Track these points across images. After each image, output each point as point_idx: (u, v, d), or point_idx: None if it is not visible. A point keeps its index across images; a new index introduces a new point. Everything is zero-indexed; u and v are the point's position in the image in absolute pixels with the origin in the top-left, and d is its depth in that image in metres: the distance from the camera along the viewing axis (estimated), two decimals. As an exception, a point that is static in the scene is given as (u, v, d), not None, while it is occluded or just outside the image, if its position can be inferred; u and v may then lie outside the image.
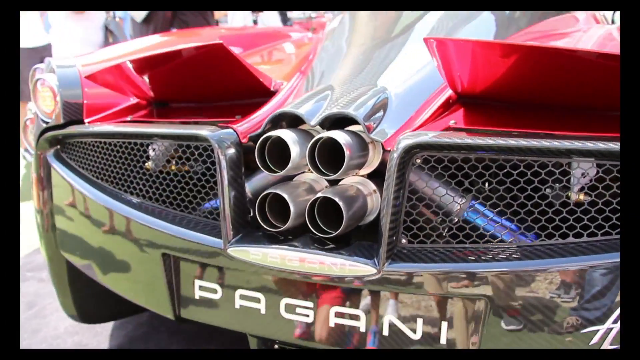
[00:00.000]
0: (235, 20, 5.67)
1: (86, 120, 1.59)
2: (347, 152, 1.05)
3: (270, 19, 5.95)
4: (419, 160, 1.05)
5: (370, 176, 1.24)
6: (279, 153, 1.12)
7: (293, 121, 1.22)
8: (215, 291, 1.29)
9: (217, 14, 5.60)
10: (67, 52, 4.11)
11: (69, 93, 1.59)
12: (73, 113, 1.59)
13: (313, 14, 7.83)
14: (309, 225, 1.12)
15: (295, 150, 1.11)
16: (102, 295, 1.74)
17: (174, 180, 1.34)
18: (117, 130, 1.43)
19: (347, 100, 1.16)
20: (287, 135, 1.12)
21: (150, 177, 1.40)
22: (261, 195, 1.16)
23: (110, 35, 4.34)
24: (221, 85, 1.50)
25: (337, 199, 1.08)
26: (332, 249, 1.12)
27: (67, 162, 1.63)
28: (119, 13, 4.93)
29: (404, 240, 1.09)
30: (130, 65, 1.38)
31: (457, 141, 0.99)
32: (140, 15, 3.94)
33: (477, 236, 1.05)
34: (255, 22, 5.80)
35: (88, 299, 1.91)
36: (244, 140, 1.23)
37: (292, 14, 7.70)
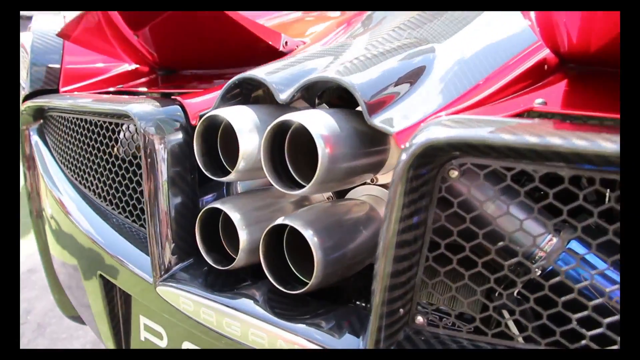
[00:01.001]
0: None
1: (62, 90, 1.26)
2: (324, 148, 0.57)
3: None
4: (455, 173, 0.53)
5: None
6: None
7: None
8: (160, 336, 0.89)
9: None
10: None
11: (43, 57, 1.27)
12: (47, 81, 1.27)
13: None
14: (265, 269, 0.66)
15: (248, 140, 0.65)
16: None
17: (118, 174, 0.95)
18: (42, 103, 1.08)
19: (348, 64, 0.67)
20: (239, 114, 0.66)
21: (102, 168, 1.02)
22: (202, 211, 0.73)
23: None
24: (227, 48, 1.08)
25: (301, 229, 0.61)
26: (300, 313, 0.65)
27: (45, 141, 1.32)
28: None
29: (420, 319, 0.58)
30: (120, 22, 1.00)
31: (532, 140, 0.46)
32: None
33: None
34: None
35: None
36: (194, 122, 0.79)
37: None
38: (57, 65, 1.27)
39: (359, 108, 0.73)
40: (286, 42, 1.06)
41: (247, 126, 0.65)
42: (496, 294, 0.62)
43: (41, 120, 1.36)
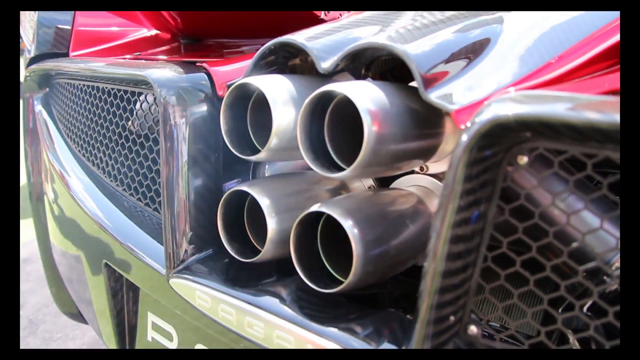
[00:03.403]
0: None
1: (72, 54, 1.30)
2: (371, 125, 0.58)
3: None
4: (524, 159, 0.53)
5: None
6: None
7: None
8: (170, 337, 0.91)
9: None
10: None
11: (52, 17, 1.31)
12: (56, 43, 1.31)
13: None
14: (295, 263, 0.67)
15: (282, 113, 0.66)
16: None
17: (132, 150, 0.98)
18: (48, 67, 1.11)
19: (402, 30, 0.68)
20: (273, 83, 0.68)
21: (114, 143, 1.05)
22: (226, 194, 0.74)
23: None
24: (261, 13, 1.10)
25: (340, 218, 0.61)
26: (332, 316, 0.66)
27: (51, 113, 1.37)
28: None
29: (474, 329, 0.58)
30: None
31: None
32: None
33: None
34: None
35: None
36: (221, 93, 0.81)
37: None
38: (68, 27, 1.31)
39: (412, 83, 0.73)
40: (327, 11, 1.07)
41: (283, 97, 0.66)
42: (562, 306, 0.62)
43: (47, 89, 1.41)
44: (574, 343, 0.61)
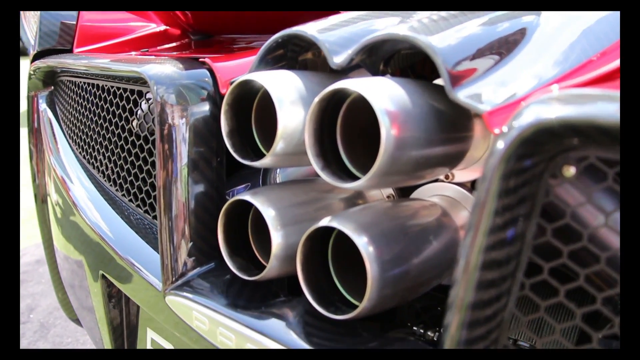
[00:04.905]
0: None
1: (76, 50, 1.25)
2: (390, 128, 0.50)
3: None
4: (571, 170, 0.45)
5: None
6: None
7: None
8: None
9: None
10: None
11: (57, 11, 1.26)
12: (60, 39, 1.26)
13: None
14: (302, 284, 0.60)
15: (289, 114, 0.59)
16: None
17: (131, 153, 0.91)
18: (53, 63, 1.06)
19: (426, 21, 0.60)
20: (279, 80, 0.60)
21: (113, 145, 0.99)
22: (227, 204, 0.67)
23: None
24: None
25: (352, 234, 0.54)
26: (345, 346, 0.58)
27: (55, 113, 1.32)
28: None
29: None
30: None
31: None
32: None
33: None
34: None
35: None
36: (224, 91, 0.74)
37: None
38: (73, 22, 1.26)
39: (436, 81, 0.66)
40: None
41: (290, 96, 0.59)
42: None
43: (52, 87, 1.36)
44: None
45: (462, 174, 0.70)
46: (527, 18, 0.66)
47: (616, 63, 0.59)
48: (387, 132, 0.50)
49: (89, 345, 2.06)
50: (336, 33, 0.63)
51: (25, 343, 2.09)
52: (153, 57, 0.86)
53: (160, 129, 0.72)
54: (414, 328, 0.77)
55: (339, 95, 0.55)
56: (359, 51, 0.59)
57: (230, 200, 0.66)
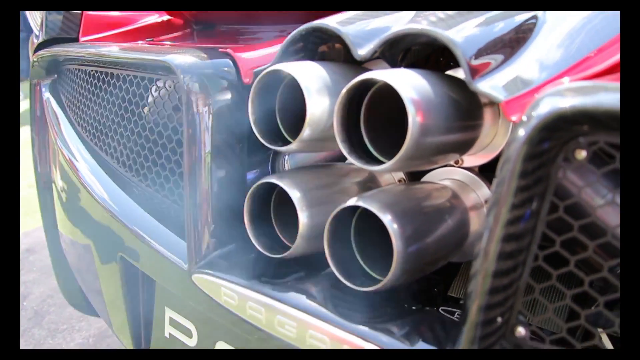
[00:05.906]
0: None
1: (82, 39, 1.27)
2: (416, 116, 0.55)
3: None
4: (582, 153, 0.51)
5: (485, 170, 0.73)
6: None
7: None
8: (190, 333, 0.89)
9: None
10: None
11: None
12: (65, 28, 1.28)
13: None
14: (329, 260, 0.64)
15: (317, 102, 0.64)
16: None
17: (149, 139, 0.95)
18: (58, 53, 1.08)
19: (443, 15, 0.65)
20: (307, 70, 0.65)
21: (129, 132, 1.02)
22: (254, 186, 0.72)
23: None
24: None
25: (378, 212, 0.59)
26: (370, 316, 0.63)
27: (60, 100, 1.34)
28: None
29: (521, 330, 0.56)
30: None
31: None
32: None
33: None
34: None
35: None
36: (246, 80, 0.78)
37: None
38: (78, 11, 1.28)
39: (448, 72, 0.71)
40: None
41: (316, 85, 0.64)
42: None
43: (55, 76, 1.38)
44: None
45: (471, 159, 0.76)
46: (533, 13, 0.71)
47: (618, 57, 0.65)
48: (414, 119, 0.55)
49: (85, 331, 2.09)
50: (358, 26, 0.67)
51: (20, 331, 2.10)
52: (176, 47, 0.89)
53: (186, 116, 0.76)
54: (413, 308, 0.83)
55: (364, 85, 0.60)
56: (381, 44, 0.64)
57: (258, 182, 0.71)
